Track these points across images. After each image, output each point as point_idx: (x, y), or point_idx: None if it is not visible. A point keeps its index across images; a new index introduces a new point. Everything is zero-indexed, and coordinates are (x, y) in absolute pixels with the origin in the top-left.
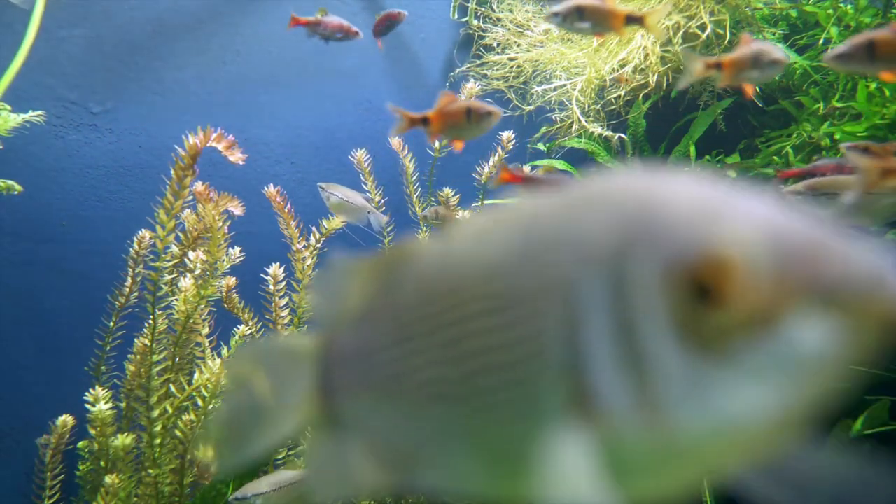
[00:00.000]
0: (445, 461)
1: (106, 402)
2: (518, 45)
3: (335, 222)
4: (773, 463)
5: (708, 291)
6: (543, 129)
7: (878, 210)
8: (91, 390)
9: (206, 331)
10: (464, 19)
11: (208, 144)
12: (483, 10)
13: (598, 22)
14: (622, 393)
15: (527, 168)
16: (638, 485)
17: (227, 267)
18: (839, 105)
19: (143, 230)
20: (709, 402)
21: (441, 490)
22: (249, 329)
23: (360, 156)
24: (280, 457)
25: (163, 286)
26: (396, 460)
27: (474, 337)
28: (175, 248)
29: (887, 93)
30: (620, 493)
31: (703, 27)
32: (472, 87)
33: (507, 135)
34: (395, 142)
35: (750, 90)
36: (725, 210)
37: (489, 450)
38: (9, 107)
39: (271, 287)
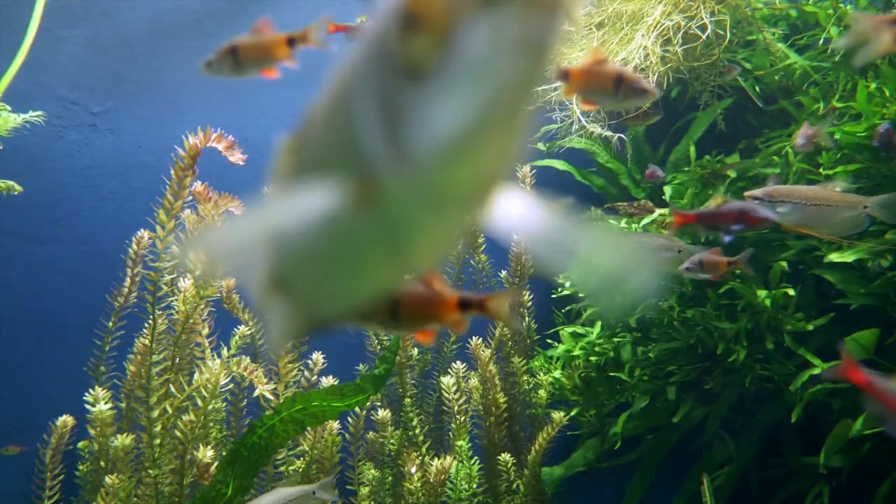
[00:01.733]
0: (330, 287)
1: (106, 403)
2: None
3: None
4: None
5: (415, 21)
6: (543, 129)
7: (838, 223)
8: (91, 390)
9: (206, 331)
10: None
11: (208, 144)
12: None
13: None
14: (381, 146)
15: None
16: (421, 246)
17: None
18: (839, 105)
19: (142, 230)
20: (431, 123)
21: (333, 315)
22: (249, 329)
23: None
24: (280, 457)
25: (163, 286)
26: (309, 304)
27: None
28: (175, 248)
29: (887, 93)
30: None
31: (703, 27)
32: None
33: None
34: None
35: None
36: None
37: (343, 262)
38: (9, 107)
39: None
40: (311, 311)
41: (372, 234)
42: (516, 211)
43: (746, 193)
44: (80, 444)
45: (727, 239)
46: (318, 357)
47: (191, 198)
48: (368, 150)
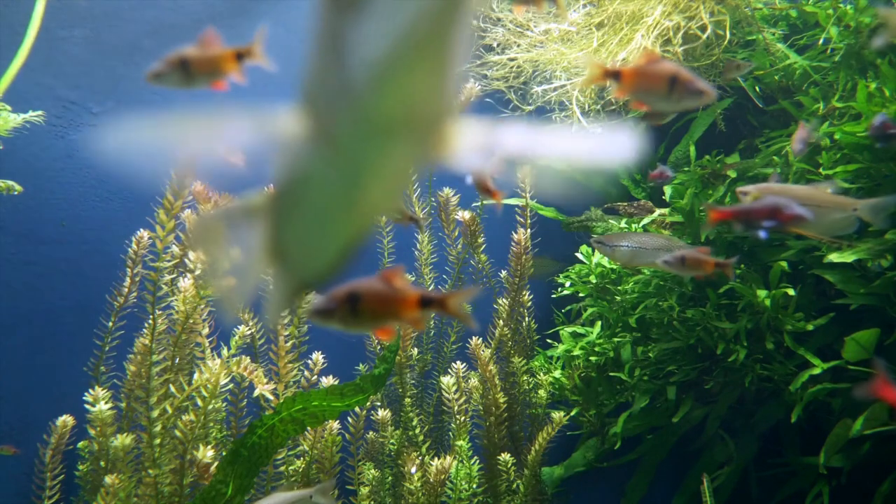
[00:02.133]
0: (311, 245)
1: (106, 402)
2: (518, 46)
3: None
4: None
5: None
6: None
7: (828, 224)
8: (91, 390)
9: (206, 331)
10: None
11: None
12: (482, 9)
13: None
14: (330, 80)
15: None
16: (373, 186)
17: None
18: (839, 105)
19: (141, 230)
20: (363, 49)
21: (316, 275)
22: (249, 329)
23: None
24: (280, 457)
25: (163, 286)
26: (296, 267)
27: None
28: (175, 248)
29: (887, 93)
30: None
31: (703, 28)
32: (471, 86)
33: None
34: None
35: None
36: None
37: (317, 215)
38: (9, 107)
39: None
40: (298, 273)
41: (332, 178)
42: (474, 144)
43: (738, 189)
44: (80, 444)
45: (763, 235)
46: (318, 357)
47: (191, 198)
48: (323, 87)
